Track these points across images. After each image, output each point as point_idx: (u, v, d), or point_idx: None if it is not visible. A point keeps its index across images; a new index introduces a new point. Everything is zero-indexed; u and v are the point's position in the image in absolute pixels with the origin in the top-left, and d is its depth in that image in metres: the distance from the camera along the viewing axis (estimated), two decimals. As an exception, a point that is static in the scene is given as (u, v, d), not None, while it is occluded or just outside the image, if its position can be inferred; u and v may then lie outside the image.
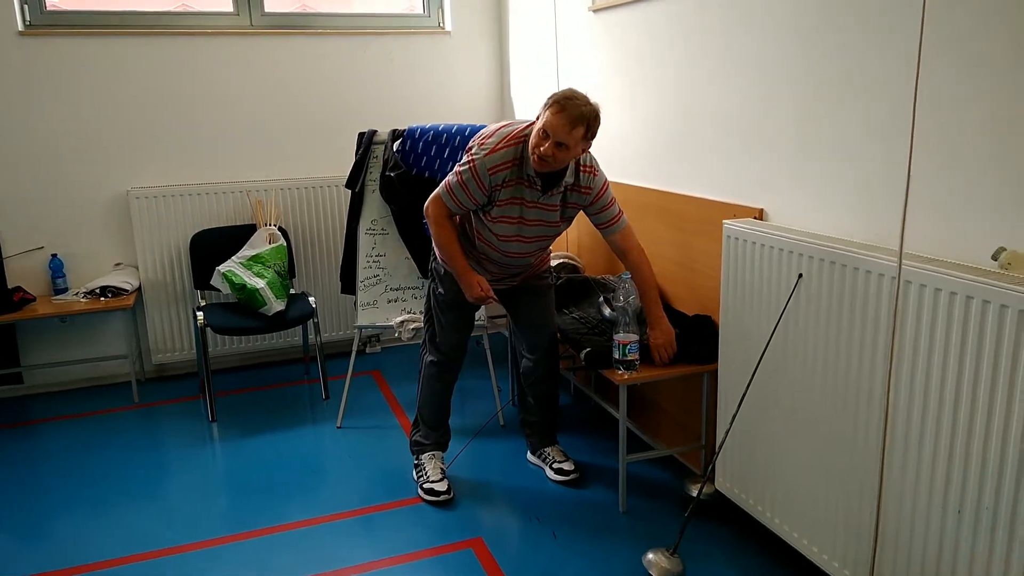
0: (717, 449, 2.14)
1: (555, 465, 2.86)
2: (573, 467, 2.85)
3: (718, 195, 2.57)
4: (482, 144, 2.46)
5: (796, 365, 2.09)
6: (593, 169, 2.50)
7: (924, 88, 1.77)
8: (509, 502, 2.73)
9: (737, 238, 2.28)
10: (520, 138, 2.42)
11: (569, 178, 2.45)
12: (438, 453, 2.85)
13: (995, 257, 1.64)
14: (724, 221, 2.34)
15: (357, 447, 3.18)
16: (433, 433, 2.86)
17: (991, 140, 1.66)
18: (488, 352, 3.40)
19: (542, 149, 2.31)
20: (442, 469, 2.80)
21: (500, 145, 2.42)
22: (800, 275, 2.05)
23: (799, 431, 2.11)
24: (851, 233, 2.04)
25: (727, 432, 2.14)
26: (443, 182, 2.53)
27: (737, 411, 2.21)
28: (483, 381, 3.73)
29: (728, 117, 2.48)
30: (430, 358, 2.81)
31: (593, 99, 2.32)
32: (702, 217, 2.63)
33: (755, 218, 2.37)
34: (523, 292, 2.79)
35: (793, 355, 2.10)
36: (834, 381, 1.97)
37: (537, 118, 2.35)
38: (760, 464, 2.28)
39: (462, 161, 2.48)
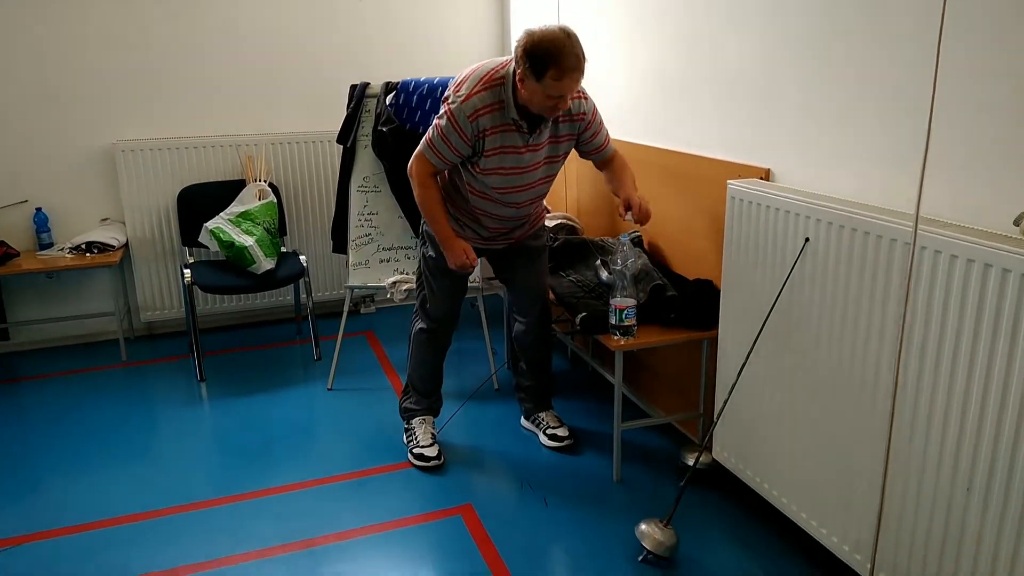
0: (715, 418, 2.06)
1: (549, 431, 2.80)
2: (567, 433, 2.78)
3: (723, 154, 2.46)
4: (457, 90, 2.32)
5: (800, 333, 2.00)
6: (583, 93, 2.38)
7: (947, 44, 1.64)
8: (501, 468, 2.66)
9: (742, 199, 2.17)
10: (499, 79, 2.28)
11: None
12: (429, 418, 2.78)
13: (1017, 223, 1.54)
14: (729, 181, 2.23)
15: (348, 409, 3.12)
16: (424, 400, 2.78)
17: (1017, 98, 1.54)
18: (483, 314, 3.32)
19: (560, 108, 2.25)
20: (433, 434, 2.73)
21: (477, 88, 2.29)
22: (807, 239, 1.94)
23: (802, 402, 2.03)
24: (862, 196, 1.93)
25: (725, 401, 2.06)
26: (424, 137, 2.41)
27: (737, 380, 2.12)
28: (478, 343, 3.65)
29: (734, 71, 2.35)
30: (420, 325, 2.72)
31: (560, 26, 2.18)
32: (705, 176, 2.52)
33: (761, 178, 2.26)
34: (516, 254, 2.68)
35: (797, 322, 2.01)
36: (840, 351, 1.88)
37: (517, 65, 2.20)
38: (760, 435, 2.20)
39: (440, 112, 2.36)
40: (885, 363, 1.75)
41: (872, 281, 1.76)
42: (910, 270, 1.65)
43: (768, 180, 2.25)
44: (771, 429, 2.15)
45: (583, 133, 2.43)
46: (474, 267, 2.49)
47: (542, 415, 2.86)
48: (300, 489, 2.56)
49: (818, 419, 1.98)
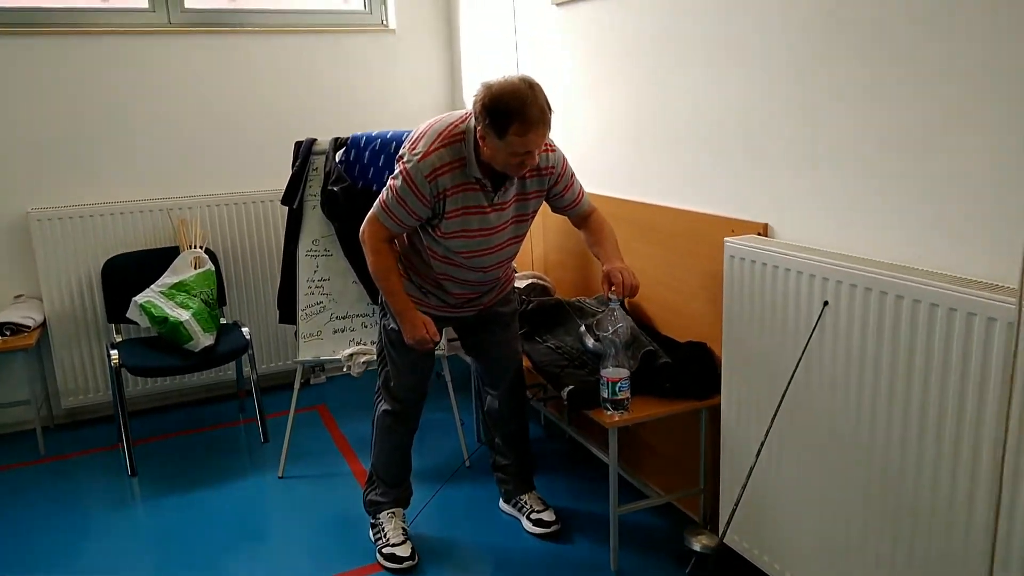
0: (735, 504, 1.84)
1: (533, 515, 2.53)
2: (554, 517, 2.51)
3: (712, 208, 2.28)
4: (413, 148, 2.10)
5: (820, 404, 1.81)
6: (551, 145, 2.20)
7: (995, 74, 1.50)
8: (484, 564, 2.37)
9: (743, 258, 1.99)
10: (458, 135, 2.07)
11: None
12: (398, 511, 2.48)
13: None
14: (726, 239, 2.04)
15: (303, 502, 2.78)
16: (392, 491, 2.48)
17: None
18: (448, 380, 3.04)
19: (526, 166, 2.05)
20: (404, 529, 2.43)
21: (435, 145, 2.07)
22: (826, 302, 1.76)
23: (822, 479, 1.82)
24: (875, 253, 1.76)
25: (743, 487, 1.84)
26: (377, 199, 2.17)
27: (756, 460, 1.91)
28: (443, 414, 3.37)
29: (722, 119, 2.19)
30: (384, 407, 2.43)
31: (521, 76, 1.99)
32: (692, 233, 2.33)
33: (759, 234, 2.08)
34: (485, 322, 2.44)
35: (816, 392, 1.81)
36: (867, 422, 1.69)
37: (477, 122, 2.00)
38: (774, 515, 1.99)
39: (394, 172, 2.13)
40: (914, 432, 1.57)
41: (909, 350, 1.58)
42: (1015, 352, 1.44)
43: (766, 235, 2.08)
44: (787, 509, 1.94)
45: (553, 188, 2.23)
46: (435, 343, 2.23)
47: (524, 497, 2.59)
48: (255, 606, 2.22)
49: (843, 498, 1.77)
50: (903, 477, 1.63)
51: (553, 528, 2.49)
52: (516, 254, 2.34)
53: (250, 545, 2.52)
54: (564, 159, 2.25)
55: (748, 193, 2.13)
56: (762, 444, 1.89)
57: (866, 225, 1.79)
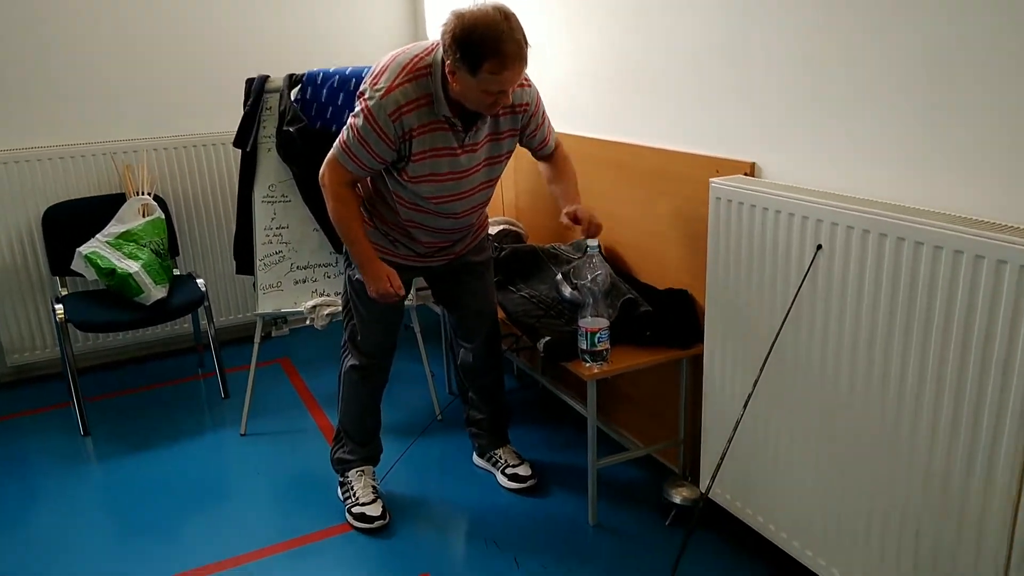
0: (720, 457, 1.76)
1: (508, 470, 2.44)
2: (529, 472, 2.43)
3: (695, 147, 2.15)
4: (374, 83, 1.91)
5: (811, 353, 1.72)
6: (526, 80, 2.03)
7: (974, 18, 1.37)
8: (458, 522, 2.29)
9: (730, 200, 1.87)
10: (424, 69, 1.89)
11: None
12: (368, 468, 2.37)
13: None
14: (711, 180, 1.92)
15: (267, 459, 2.66)
16: (361, 449, 2.37)
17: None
18: (417, 331, 2.91)
19: (500, 104, 1.90)
20: (374, 487, 2.33)
21: (398, 80, 1.89)
22: (819, 246, 1.66)
23: (812, 430, 1.75)
24: (869, 194, 1.66)
25: (730, 440, 1.76)
26: (337, 139, 2.00)
27: (743, 412, 1.82)
28: (413, 364, 3.25)
29: (705, 51, 2.04)
30: (351, 362, 2.30)
31: (495, 5, 1.81)
32: (674, 173, 2.21)
33: (745, 174, 1.96)
34: (458, 272, 2.30)
35: (807, 341, 1.72)
36: (862, 370, 1.60)
37: (446, 55, 1.81)
38: (758, 467, 1.92)
39: (354, 110, 1.95)
40: (913, 383, 1.49)
41: (909, 297, 1.49)
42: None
43: (753, 175, 1.96)
44: (773, 462, 1.87)
45: (526, 127, 2.08)
46: (400, 296, 2.09)
47: (499, 452, 2.50)
48: (219, 572, 2.11)
49: (833, 452, 1.70)
50: (898, 431, 1.55)
51: (529, 483, 2.41)
52: (489, 199, 2.19)
53: (211, 506, 2.41)
54: (538, 95, 2.09)
55: (734, 130, 2.00)
56: (749, 396, 1.81)
57: (863, 163, 1.67)
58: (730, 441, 1.75)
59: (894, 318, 1.52)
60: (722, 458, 1.74)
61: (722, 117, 2.03)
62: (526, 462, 2.47)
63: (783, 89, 1.83)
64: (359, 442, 2.36)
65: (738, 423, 1.78)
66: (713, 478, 1.81)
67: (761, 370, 1.78)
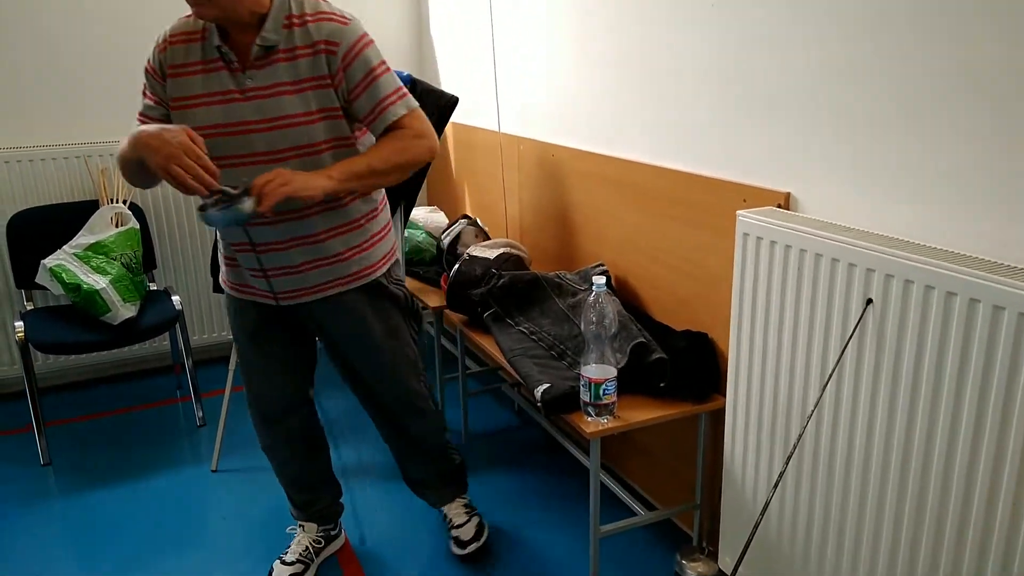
0: (746, 543, 1.48)
1: (452, 531, 2.10)
2: (473, 533, 2.08)
3: (721, 171, 1.87)
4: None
5: (854, 426, 1.44)
6: (339, 14, 1.60)
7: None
8: (440, 585, 2.03)
9: (760, 237, 1.59)
10: None
11: (272, 34, 1.52)
12: (311, 526, 2.05)
13: None
14: (739, 212, 1.65)
15: (238, 502, 2.41)
16: (299, 511, 2.07)
17: None
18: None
19: None
20: (308, 549, 2.01)
21: (183, 19, 1.64)
22: (869, 300, 1.38)
23: (859, 522, 1.47)
24: (924, 235, 1.38)
25: (756, 525, 1.48)
26: None
27: (773, 493, 1.54)
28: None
29: (737, 63, 1.77)
30: (253, 419, 1.96)
31: None
32: (697, 201, 1.93)
33: (779, 206, 1.69)
34: (331, 321, 1.79)
35: (850, 412, 1.45)
36: (918, 446, 1.33)
37: None
38: (790, 549, 1.64)
39: None
40: (986, 470, 1.21)
41: (984, 369, 1.21)
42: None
43: (787, 208, 1.68)
44: (805, 546, 1.59)
45: (346, 85, 1.57)
46: (200, 184, 1.43)
47: (445, 509, 2.15)
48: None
49: (879, 545, 1.42)
50: (962, 526, 1.27)
51: (471, 548, 2.06)
52: (336, 198, 1.65)
53: (173, 554, 2.16)
54: (366, 42, 1.59)
55: (767, 155, 1.73)
56: (781, 474, 1.53)
57: (925, 200, 1.40)
58: (757, 526, 1.48)
59: (963, 393, 1.24)
60: (747, 544, 1.47)
61: (753, 138, 1.75)
62: (475, 517, 2.12)
63: (827, 107, 1.55)
64: (299, 505, 2.06)
65: (767, 505, 1.50)
66: (739, 562, 1.53)
67: (796, 444, 1.50)
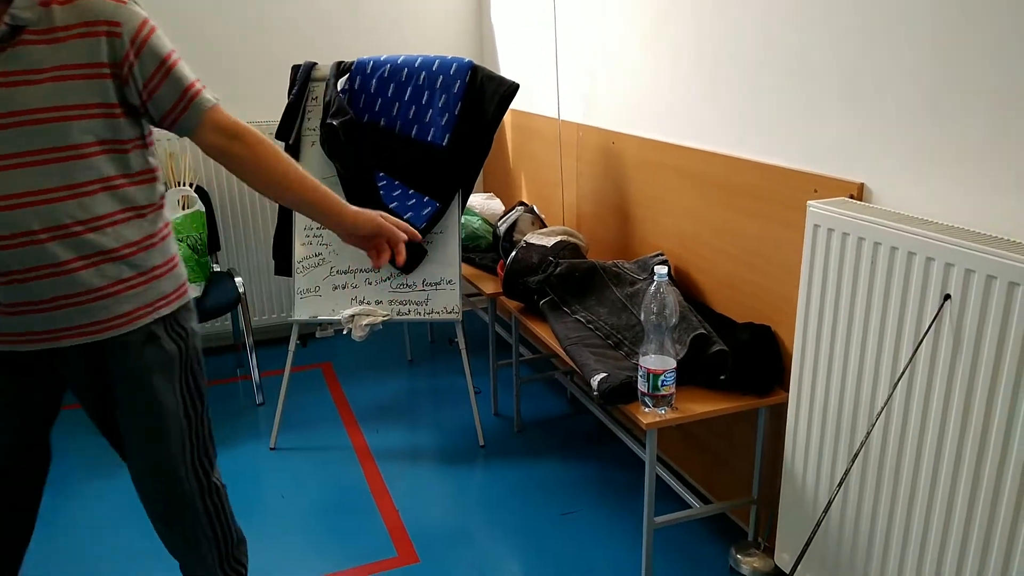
0: (807, 541, 1.45)
1: None
2: None
3: (790, 160, 1.82)
4: None
5: (925, 427, 1.39)
6: None
7: None
8: (491, 572, 2.03)
9: (831, 228, 1.55)
10: None
11: (25, 11, 1.22)
12: None
13: None
14: (809, 203, 1.60)
15: (296, 479, 2.46)
16: None
17: None
18: (463, 346, 2.65)
19: None
20: None
21: None
22: (947, 296, 1.33)
23: (927, 525, 1.42)
24: (1016, 233, 1.32)
25: (819, 523, 1.44)
26: None
27: (838, 488, 1.50)
28: (457, 377, 3.02)
29: (809, 41, 1.71)
30: None
31: None
32: (763, 190, 1.89)
33: (851, 196, 1.64)
34: (99, 383, 1.45)
35: (921, 412, 1.40)
36: (999, 464, 1.27)
37: None
38: (851, 549, 1.60)
39: None
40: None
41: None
42: None
43: (860, 199, 1.63)
44: (868, 544, 1.55)
45: (130, 73, 1.30)
46: None
47: None
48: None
49: (947, 549, 1.38)
50: (1042, 536, 1.22)
51: None
52: (90, 196, 1.30)
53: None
54: (151, 25, 1.32)
55: (839, 143, 1.67)
56: (846, 473, 1.49)
57: (1006, 194, 1.33)
58: (819, 524, 1.44)
59: (1046, 397, 1.19)
60: (808, 542, 1.43)
61: (825, 125, 1.70)
62: None
63: (906, 91, 1.50)
64: None
65: (830, 504, 1.46)
66: (798, 562, 1.50)
67: (863, 443, 1.46)
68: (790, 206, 1.78)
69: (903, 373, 1.40)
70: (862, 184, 1.62)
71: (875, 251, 1.45)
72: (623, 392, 1.82)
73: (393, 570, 2.02)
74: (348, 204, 1.49)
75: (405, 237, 1.51)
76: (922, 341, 1.37)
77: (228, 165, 1.42)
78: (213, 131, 1.38)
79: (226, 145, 1.40)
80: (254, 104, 3.18)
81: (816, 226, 1.58)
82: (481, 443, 2.62)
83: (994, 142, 1.34)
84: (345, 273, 2.62)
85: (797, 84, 1.76)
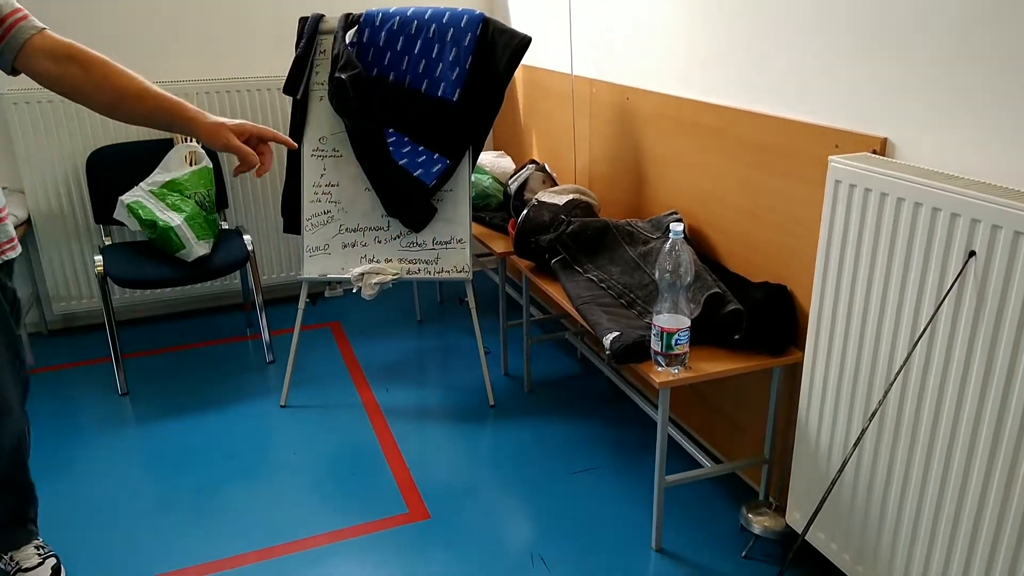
0: (821, 501, 1.44)
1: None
2: None
3: (809, 115, 1.78)
4: None
5: (944, 387, 1.37)
6: None
7: None
8: (503, 530, 2.04)
9: (853, 184, 1.51)
10: None
11: None
12: None
13: None
14: (830, 158, 1.56)
15: (306, 438, 2.47)
16: None
17: None
18: (472, 306, 2.63)
19: None
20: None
21: None
22: (971, 253, 1.29)
23: (942, 488, 1.41)
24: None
25: (833, 483, 1.43)
26: None
27: (853, 448, 1.49)
28: (467, 338, 3.01)
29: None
30: None
31: None
32: (782, 146, 1.84)
33: (874, 151, 1.59)
34: None
35: (942, 371, 1.37)
36: (1020, 424, 1.25)
37: None
38: (864, 509, 1.59)
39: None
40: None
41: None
42: None
43: (883, 154, 1.59)
44: (882, 507, 1.54)
45: None
46: None
47: (12, 554, 1.80)
48: (253, 563, 1.93)
49: (961, 512, 1.36)
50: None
51: None
52: None
53: (243, 484, 2.22)
54: None
55: (861, 97, 1.62)
56: (862, 433, 1.47)
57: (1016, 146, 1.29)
58: (833, 484, 1.43)
59: (1073, 356, 1.16)
60: (822, 502, 1.42)
61: (848, 77, 1.65)
62: (48, 561, 1.80)
63: (930, 42, 1.44)
64: None
65: (844, 464, 1.44)
66: (811, 522, 1.49)
67: (881, 402, 1.44)
68: (810, 162, 1.74)
69: (923, 332, 1.38)
70: (885, 139, 1.58)
71: (898, 207, 1.41)
72: (636, 351, 1.80)
73: (404, 526, 2.03)
74: (207, 116, 1.41)
75: (271, 137, 1.45)
76: (944, 299, 1.34)
77: (65, 91, 1.37)
78: (43, 56, 1.33)
79: (58, 70, 1.35)
80: (271, 57, 3.13)
81: (837, 182, 1.54)
82: (491, 403, 2.61)
83: (1020, 95, 1.30)
84: (355, 231, 2.60)
85: (818, 34, 1.70)
